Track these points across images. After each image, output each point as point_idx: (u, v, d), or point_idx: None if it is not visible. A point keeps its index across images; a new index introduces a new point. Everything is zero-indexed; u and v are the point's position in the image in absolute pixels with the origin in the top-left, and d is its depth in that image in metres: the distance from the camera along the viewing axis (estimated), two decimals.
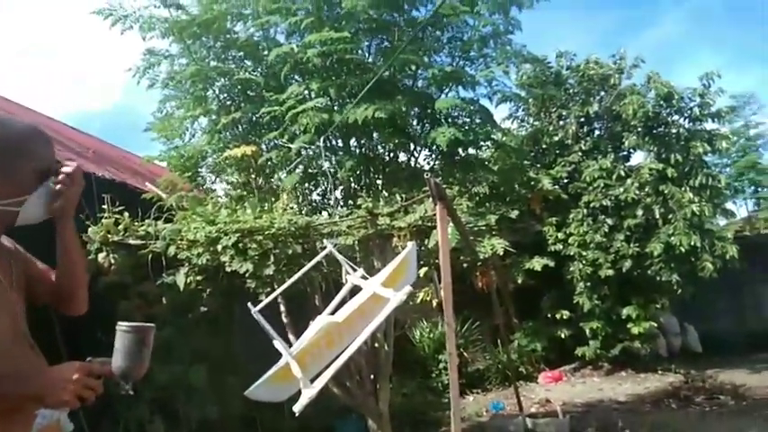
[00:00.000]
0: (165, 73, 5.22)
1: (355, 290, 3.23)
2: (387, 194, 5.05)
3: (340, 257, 3.27)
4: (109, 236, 4.32)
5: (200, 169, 5.54)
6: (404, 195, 4.84)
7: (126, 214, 4.47)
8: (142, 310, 4.13)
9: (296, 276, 3.29)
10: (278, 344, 2.72)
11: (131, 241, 4.36)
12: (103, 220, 4.36)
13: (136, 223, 4.48)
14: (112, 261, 4.24)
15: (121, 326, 1.40)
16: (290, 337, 4.61)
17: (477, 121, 5.28)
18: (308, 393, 2.28)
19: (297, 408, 2.27)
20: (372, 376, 5.21)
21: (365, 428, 5.20)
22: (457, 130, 4.71)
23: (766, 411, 6.06)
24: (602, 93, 9.30)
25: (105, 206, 4.41)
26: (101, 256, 4.26)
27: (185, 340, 4.51)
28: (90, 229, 4.32)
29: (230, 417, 4.84)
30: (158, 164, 6.19)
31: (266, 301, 3.09)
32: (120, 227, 4.40)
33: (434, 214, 3.74)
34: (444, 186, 4.19)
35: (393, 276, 3.04)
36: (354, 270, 3.24)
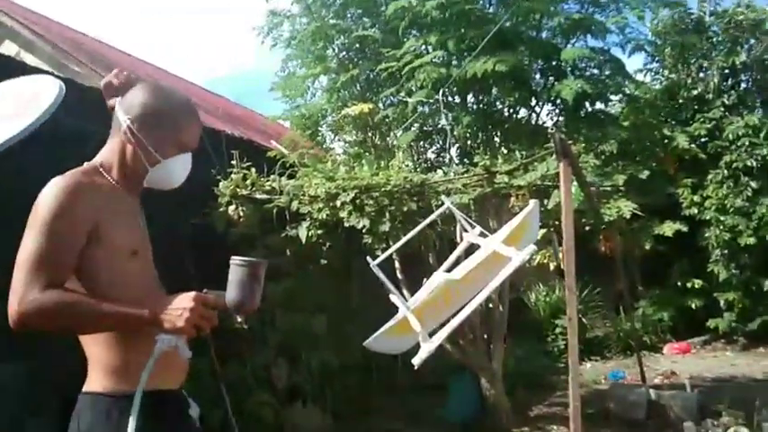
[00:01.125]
0: (288, 32, 5.37)
1: (470, 249, 3.16)
2: (505, 152, 4.88)
3: (458, 214, 3.21)
4: (238, 190, 4.57)
5: (319, 128, 5.68)
6: (523, 153, 4.65)
7: (253, 170, 4.69)
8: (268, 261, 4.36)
9: (413, 232, 3.29)
10: (395, 298, 2.73)
11: (258, 195, 4.58)
12: (233, 175, 4.62)
13: (262, 179, 4.70)
14: (241, 214, 4.49)
15: (235, 259, 1.44)
16: (405, 293, 4.67)
17: (607, 72, 4.92)
18: (428, 347, 2.28)
19: (416, 360, 2.28)
20: (486, 336, 5.17)
21: (478, 387, 5.20)
22: (584, 82, 4.42)
23: None
24: (752, 41, 8.27)
25: (234, 162, 4.67)
26: (230, 208, 4.53)
27: (307, 290, 4.73)
28: (221, 183, 4.60)
29: (348, 365, 5.05)
30: (281, 123, 6.43)
31: (384, 255, 3.12)
32: (248, 182, 4.63)
33: (557, 173, 3.54)
34: (569, 143, 3.95)
35: (514, 235, 2.92)
36: (472, 227, 3.17)
